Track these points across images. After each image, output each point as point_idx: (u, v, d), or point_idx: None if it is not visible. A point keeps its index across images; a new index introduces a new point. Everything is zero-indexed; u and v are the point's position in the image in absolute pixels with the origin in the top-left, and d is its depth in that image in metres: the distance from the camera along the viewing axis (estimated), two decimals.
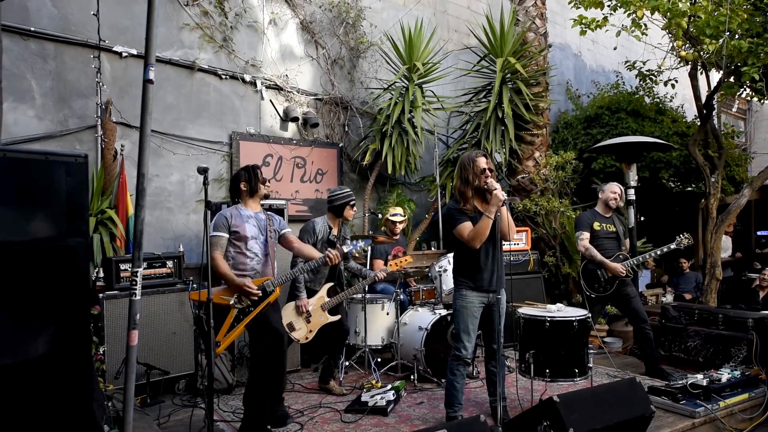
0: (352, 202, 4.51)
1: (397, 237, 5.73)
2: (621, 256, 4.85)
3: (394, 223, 5.67)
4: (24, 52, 4.65)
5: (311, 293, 4.40)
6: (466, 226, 3.51)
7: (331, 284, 4.50)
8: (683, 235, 4.83)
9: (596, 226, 4.93)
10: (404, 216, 5.81)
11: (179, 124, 5.52)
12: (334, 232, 4.51)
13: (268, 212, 3.81)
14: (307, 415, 3.98)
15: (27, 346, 1.98)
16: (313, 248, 3.90)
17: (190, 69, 5.59)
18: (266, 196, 3.80)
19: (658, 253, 4.88)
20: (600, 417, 3.01)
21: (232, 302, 3.50)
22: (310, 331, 4.31)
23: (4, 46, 4.48)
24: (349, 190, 4.58)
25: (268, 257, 3.70)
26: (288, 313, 4.23)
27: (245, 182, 3.68)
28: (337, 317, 4.43)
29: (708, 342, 4.97)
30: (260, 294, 3.52)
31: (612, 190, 5.03)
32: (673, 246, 4.82)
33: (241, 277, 3.50)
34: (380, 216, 5.92)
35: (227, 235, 3.56)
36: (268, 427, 3.53)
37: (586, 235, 4.90)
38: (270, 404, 3.62)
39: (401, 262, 4.59)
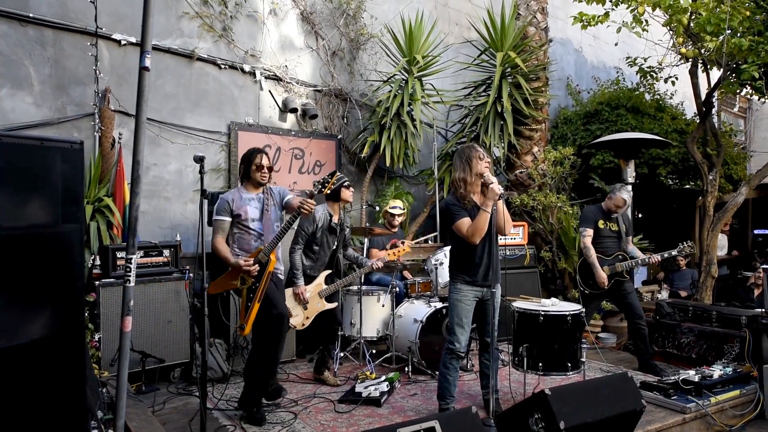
0: (346, 183, 4.50)
1: (395, 230, 5.73)
2: (620, 256, 4.88)
3: (393, 215, 5.67)
4: (22, 38, 4.64)
5: (309, 279, 4.41)
6: (465, 222, 3.52)
7: (329, 272, 4.52)
8: (686, 243, 4.86)
9: (600, 224, 4.93)
10: (403, 210, 5.81)
11: (178, 114, 5.52)
12: (335, 219, 4.52)
13: (268, 187, 3.82)
14: (301, 404, 4.00)
15: (20, 331, 1.99)
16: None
17: (189, 58, 5.58)
18: (259, 184, 3.75)
19: (658, 258, 4.90)
20: (591, 410, 3.03)
21: (239, 285, 3.60)
22: (307, 317, 4.33)
23: (1, 32, 4.48)
24: (339, 173, 4.57)
25: (268, 231, 3.72)
26: (286, 300, 4.24)
27: (243, 165, 3.77)
28: (334, 304, 4.45)
29: (701, 338, 5.00)
30: (258, 268, 3.55)
31: (617, 204, 4.92)
32: (674, 252, 4.85)
33: (236, 257, 3.59)
34: (377, 208, 5.92)
35: (230, 219, 3.66)
36: (263, 400, 3.73)
37: (590, 231, 4.91)
38: (265, 379, 3.72)
39: (399, 251, 4.60)
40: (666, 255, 4.88)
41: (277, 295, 3.69)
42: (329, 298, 4.44)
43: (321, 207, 4.51)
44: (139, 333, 4.28)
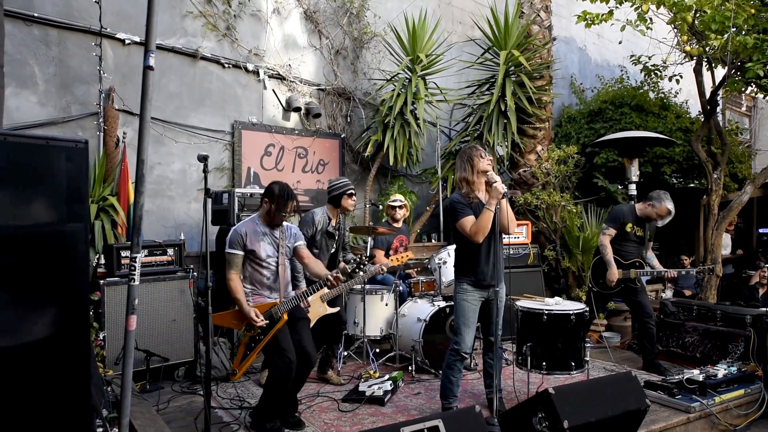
0: (349, 191, 4.47)
1: (399, 225, 5.71)
2: (637, 263, 4.85)
3: (393, 208, 5.64)
4: (27, 37, 4.66)
5: (310, 283, 4.40)
6: (469, 220, 3.51)
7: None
8: (706, 266, 4.86)
9: (628, 227, 4.88)
10: (404, 202, 5.79)
11: (181, 113, 5.53)
12: (333, 223, 4.52)
13: (284, 225, 3.64)
14: (305, 403, 4.00)
15: (26, 330, 2.00)
16: (322, 266, 3.72)
17: (192, 57, 5.59)
18: (276, 225, 3.57)
19: (674, 273, 4.89)
20: (595, 410, 3.03)
21: (243, 330, 3.48)
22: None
23: (7, 32, 4.49)
24: (347, 179, 4.56)
25: (283, 271, 3.59)
26: None
27: (269, 203, 3.50)
28: (336, 309, 4.43)
29: (705, 338, 4.98)
30: (266, 323, 3.43)
31: (660, 213, 4.79)
32: (693, 271, 4.85)
33: (249, 306, 3.45)
34: (381, 207, 5.92)
35: (242, 253, 3.47)
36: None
37: (612, 231, 4.86)
38: (286, 415, 3.58)
39: (402, 257, 4.57)
40: (683, 272, 4.86)
41: (286, 339, 3.43)
42: (331, 303, 4.42)
43: (320, 210, 4.50)
44: (144, 332, 4.29)
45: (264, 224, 3.55)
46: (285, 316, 3.46)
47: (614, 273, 4.76)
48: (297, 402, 3.67)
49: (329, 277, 3.44)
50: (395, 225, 5.63)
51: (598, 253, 4.94)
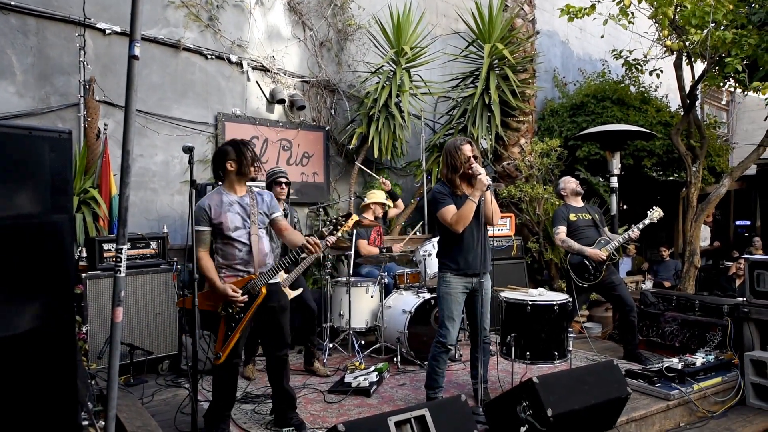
0: (278, 179, 4.46)
1: (379, 219, 5.76)
2: (602, 241, 4.91)
3: (384, 207, 5.71)
4: (4, 26, 4.56)
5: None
6: (450, 210, 3.54)
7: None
8: (654, 209, 4.92)
9: (572, 217, 4.97)
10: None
11: (164, 104, 5.46)
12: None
13: (255, 191, 3.40)
14: None
15: (11, 321, 1.97)
16: (299, 236, 3.38)
17: (175, 48, 5.52)
18: (253, 179, 3.38)
19: (636, 230, 4.88)
20: (578, 398, 3.09)
21: (219, 310, 3.25)
22: None
23: None
24: (280, 168, 4.52)
25: (259, 243, 3.30)
26: None
27: (232, 162, 3.24)
28: (299, 290, 4.36)
29: (684, 327, 5.09)
30: (246, 299, 3.21)
31: (567, 181, 5.17)
32: (647, 221, 4.88)
33: (224, 283, 3.19)
34: (365, 200, 5.93)
35: (209, 229, 3.22)
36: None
37: (563, 229, 4.94)
38: (285, 410, 3.44)
39: (349, 223, 4.57)
40: (641, 225, 4.89)
41: (283, 320, 3.34)
42: (293, 285, 4.39)
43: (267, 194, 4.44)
44: (127, 325, 4.25)
45: (230, 192, 3.29)
46: (264, 290, 3.24)
47: (595, 252, 4.78)
48: (292, 395, 3.43)
49: (306, 242, 3.13)
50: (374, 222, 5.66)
51: (566, 252, 4.97)
